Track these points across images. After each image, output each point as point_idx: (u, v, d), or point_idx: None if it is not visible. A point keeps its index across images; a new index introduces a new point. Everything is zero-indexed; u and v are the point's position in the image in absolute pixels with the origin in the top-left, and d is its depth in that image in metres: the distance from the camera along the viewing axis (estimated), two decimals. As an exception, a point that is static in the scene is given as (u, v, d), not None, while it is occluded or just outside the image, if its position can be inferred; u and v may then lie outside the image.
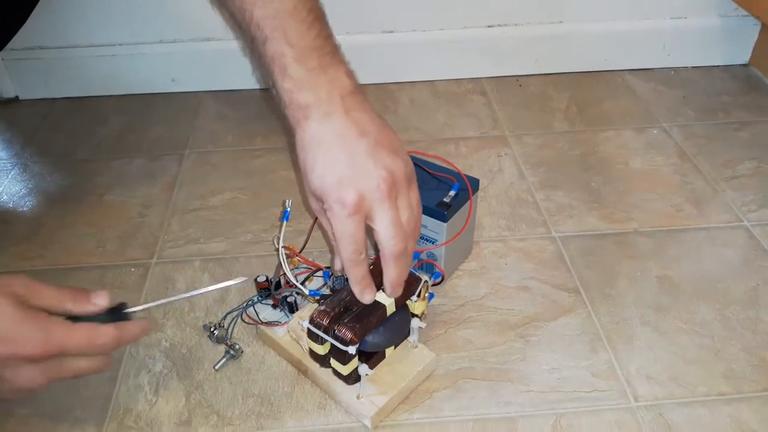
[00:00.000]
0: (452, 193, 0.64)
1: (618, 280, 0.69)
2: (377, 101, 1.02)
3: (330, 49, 0.51)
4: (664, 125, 0.95)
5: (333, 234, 0.50)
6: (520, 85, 1.06)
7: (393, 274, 0.52)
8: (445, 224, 0.63)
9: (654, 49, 1.08)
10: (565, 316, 0.65)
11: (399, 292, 0.54)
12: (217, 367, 0.60)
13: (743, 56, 1.09)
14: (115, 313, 0.51)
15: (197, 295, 0.56)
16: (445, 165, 0.68)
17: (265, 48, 0.51)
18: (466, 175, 0.65)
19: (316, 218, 0.63)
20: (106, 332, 0.48)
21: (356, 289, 0.53)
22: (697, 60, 1.09)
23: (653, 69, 1.09)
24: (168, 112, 1.01)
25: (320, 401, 0.58)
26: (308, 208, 0.56)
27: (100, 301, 0.50)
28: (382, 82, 1.07)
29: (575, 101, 1.02)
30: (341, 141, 0.49)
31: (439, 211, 0.63)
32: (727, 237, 0.75)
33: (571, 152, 0.90)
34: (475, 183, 0.66)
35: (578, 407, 0.57)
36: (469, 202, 0.65)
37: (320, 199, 0.50)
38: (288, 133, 0.61)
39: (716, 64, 1.09)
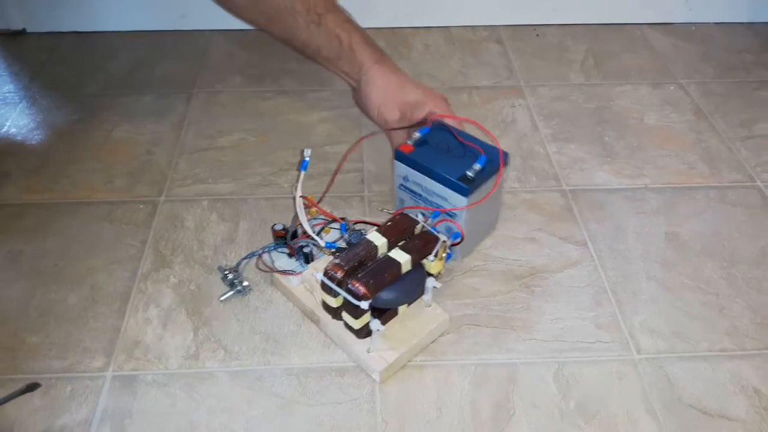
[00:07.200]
0: (477, 166, 0.60)
1: (626, 235, 0.69)
2: (390, 46, 1.00)
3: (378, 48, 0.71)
4: (682, 81, 0.93)
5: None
6: (537, 35, 1.04)
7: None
8: (465, 198, 0.60)
9: (676, 2, 1.05)
10: (572, 269, 0.66)
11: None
12: (222, 299, 0.61)
13: (768, 13, 1.06)
14: None
15: None
16: (476, 128, 0.64)
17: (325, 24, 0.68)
18: (502, 150, 0.61)
19: (336, 171, 0.67)
20: None
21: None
22: (720, 16, 1.06)
23: (673, 24, 1.06)
24: (177, 50, 1.00)
25: (325, 341, 0.59)
26: (377, 120, 0.70)
27: None
28: (397, 26, 1.04)
29: (592, 53, 0.99)
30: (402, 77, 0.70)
31: (460, 184, 0.59)
32: (739, 196, 0.74)
33: (586, 105, 0.88)
34: (505, 157, 0.62)
35: (580, 357, 0.57)
36: (497, 175, 0.61)
37: (414, 105, 0.67)
38: (311, 61, 0.72)
39: (740, 21, 1.06)
